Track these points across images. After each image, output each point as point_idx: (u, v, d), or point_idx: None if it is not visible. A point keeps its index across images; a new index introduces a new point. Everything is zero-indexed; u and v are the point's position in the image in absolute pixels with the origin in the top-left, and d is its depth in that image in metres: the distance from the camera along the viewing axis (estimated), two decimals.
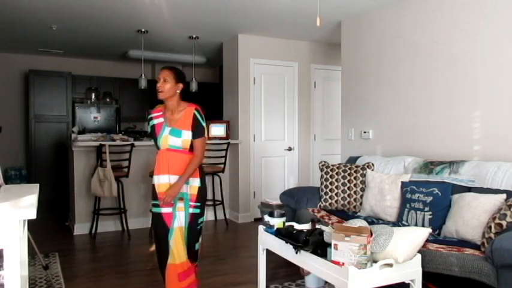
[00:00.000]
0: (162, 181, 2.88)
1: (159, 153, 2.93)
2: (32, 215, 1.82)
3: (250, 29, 5.61)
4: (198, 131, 2.88)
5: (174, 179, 2.85)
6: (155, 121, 2.98)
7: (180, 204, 2.88)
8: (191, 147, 2.89)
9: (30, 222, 2.48)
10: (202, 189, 2.94)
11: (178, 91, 2.94)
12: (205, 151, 5.59)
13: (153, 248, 4.59)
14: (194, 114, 2.91)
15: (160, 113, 3.00)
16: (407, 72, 4.31)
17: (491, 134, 3.51)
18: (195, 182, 2.91)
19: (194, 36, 6.01)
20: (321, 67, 6.46)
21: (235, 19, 5.17)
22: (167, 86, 2.89)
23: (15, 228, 1.81)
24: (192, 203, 2.89)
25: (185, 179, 2.83)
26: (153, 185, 2.93)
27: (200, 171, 2.94)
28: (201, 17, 5.07)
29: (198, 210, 2.91)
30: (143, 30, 5.68)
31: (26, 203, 1.99)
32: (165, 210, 2.88)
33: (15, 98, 7.67)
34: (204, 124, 2.91)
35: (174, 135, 2.87)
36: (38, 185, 2.55)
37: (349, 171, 4.08)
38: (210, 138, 5.96)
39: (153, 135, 3.01)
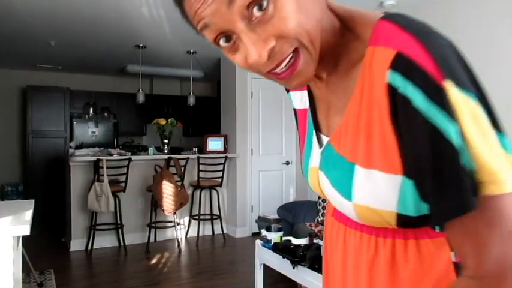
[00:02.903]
0: None
1: (326, 223, 0.83)
2: (26, 231, 1.81)
3: None
4: (431, 171, 0.53)
5: None
6: (294, 100, 0.88)
7: None
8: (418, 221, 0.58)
9: (26, 239, 2.46)
10: None
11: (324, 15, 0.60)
12: (203, 165, 5.72)
13: (150, 263, 4.56)
14: (393, 94, 0.55)
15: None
16: None
17: None
18: None
19: (192, 51, 6.04)
20: None
21: None
22: (287, 11, 0.54)
23: (8, 245, 1.79)
24: None
25: None
26: None
27: None
28: None
29: None
30: (141, 45, 5.71)
31: (20, 219, 1.98)
32: None
33: (13, 113, 7.67)
34: (479, 129, 0.52)
35: (332, 181, 0.68)
36: (33, 201, 2.54)
37: None
38: (207, 152, 5.97)
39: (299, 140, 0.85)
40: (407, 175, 0.57)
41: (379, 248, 0.66)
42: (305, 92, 0.80)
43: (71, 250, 5.05)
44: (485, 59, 3.54)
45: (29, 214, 2.11)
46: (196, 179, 5.55)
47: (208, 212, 5.89)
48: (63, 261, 4.68)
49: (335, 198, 0.69)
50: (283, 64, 0.58)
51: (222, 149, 6.02)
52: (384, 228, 0.65)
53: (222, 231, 5.77)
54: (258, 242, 3.20)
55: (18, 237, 2.20)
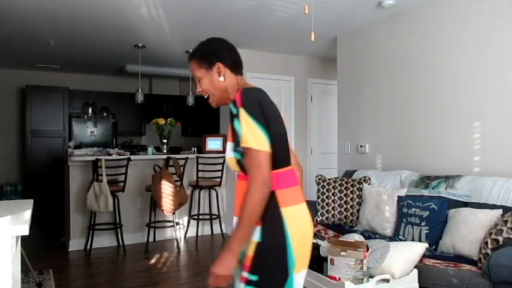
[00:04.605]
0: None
1: None
2: (25, 231, 1.81)
3: (246, 44, 5.65)
4: (237, 140, 1.53)
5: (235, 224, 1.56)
6: None
7: (236, 270, 1.56)
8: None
9: (24, 238, 2.46)
10: (263, 249, 1.48)
11: (221, 78, 1.64)
12: (202, 165, 5.70)
13: (149, 262, 4.55)
14: (230, 112, 1.57)
15: None
16: (403, 86, 4.34)
17: (492, 144, 3.52)
18: (253, 234, 1.49)
19: (191, 50, 6.03)
20: (318, 81, 6.50)
21: (232, 34, 5.20)
22: (204, 85, 1.67)
23: (7, 245, 1.79)
24: (244, 274, 1.51)
25: (239, 238, 1.45)
26: None
27: (264, 211, 1.47)
28: (197, 32, 5.10)
29: None
30: (140, 45, 5.71)
31: (19, 219, 1.98)
32: None
33: (12, 113, 7.67)
34: (246, 124, 1.47)
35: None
36: (31, 200, 2.54)
37: (345, 185, 4.08)
38: (206, 152, 5.97)
39: None
40: (233, 141, 1.55)
41: (241, 184, 1.57)
42: None
43: (69, 250, 5.05)
44: (485, 58, 3.54)
45: (27, 214, 2.11)
46: (195, 178, 5.55)
47: (207, 211, 5.89)
48: (62, 261, 4.67)
49: (230, 163, 1.61)
50: (206, 97, 1.71)
51: (221, 149, 6.02)
52: (240, 175, 1.58)
53: (221, 231, 5.77)
54: None
55: (17, 237, 2.20)
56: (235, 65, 1.69)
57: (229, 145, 1.57)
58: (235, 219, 1.55)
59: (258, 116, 1.47)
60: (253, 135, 1.46)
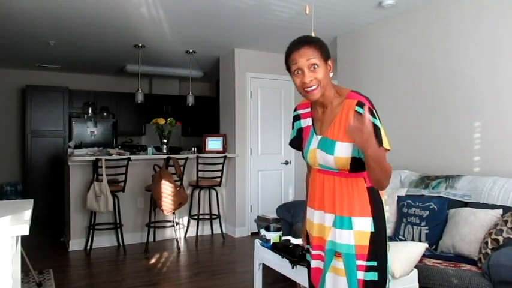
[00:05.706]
0: (316, 220, 1.77)
1: (311, 173, 1.84)
2: (25, 231, 1.81)
3: (246, 44, 5.65)
4: None
5: (329, 219, 1.70)
6: (303, 122, 1.88)
7: (337, 264, 1.68)
8: (358, 167, 1.66)
9: (24, 238, 2.46)
10: (376, 237, 1.66)
11: (331, 74, 1.73)
12: (202, 165, 5.70)
13: (149, 262, 4.55)
14: (357, 114, 1.61)
15: (309, 109, 1.85)
16: (403, 86, 4.34)
17: (492, 144, 3.52)
18: (364, 225, 1.65)
19: (191, 50, 6.04)
20: None
21: (232, 34, 5.21)
22: (321, 74, 1.67)
23: (7, 245, 1.79)
24: (361, 263, 1.64)
25: (375, 149, 1.57)
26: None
27: (373, 204, 1.67)
28: (198, 32, 5.11)
29: (375, 276, 1.64)
30: (140, 45, 5.71)
31: (19, 219, 1.98)
32: (313, 263, 1.80)
33: (12, 113, 7.67)
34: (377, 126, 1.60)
35: (324, 150, 1.71)
36: (32, 200, 2.54)
37: None
38: (206, 152, 5.97)
39: (298, 144, 1.89)
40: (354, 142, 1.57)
41: (341, 181, 1.68)
42: (309, 119, 1.84)
43: (70, 250, 5.05)
44: (485, 58, 3.54)
45: (28, 214, 2.11)
46: (195, 178, 5.55)
47: (207, 211, 5.89)
48: (62, 261, 4.67)
49: (324, 158, 1.69)
50: (312, 88, 1.66)
51: (221, 149, 6.02)
52: (342, 173, 1.67)
53: (221, 231, 5.77)
54: (257, 241, 3.21)
55: (17, 237, 2.20)
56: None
57: (346, 145, 1.64)
58: (328, 216, 1.72)
59: (380, 120, 1.65)
60: (384, 138, 1.62)
